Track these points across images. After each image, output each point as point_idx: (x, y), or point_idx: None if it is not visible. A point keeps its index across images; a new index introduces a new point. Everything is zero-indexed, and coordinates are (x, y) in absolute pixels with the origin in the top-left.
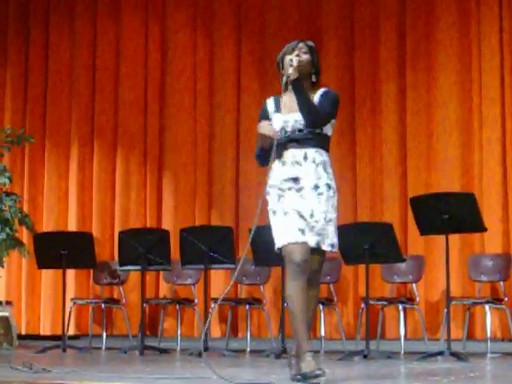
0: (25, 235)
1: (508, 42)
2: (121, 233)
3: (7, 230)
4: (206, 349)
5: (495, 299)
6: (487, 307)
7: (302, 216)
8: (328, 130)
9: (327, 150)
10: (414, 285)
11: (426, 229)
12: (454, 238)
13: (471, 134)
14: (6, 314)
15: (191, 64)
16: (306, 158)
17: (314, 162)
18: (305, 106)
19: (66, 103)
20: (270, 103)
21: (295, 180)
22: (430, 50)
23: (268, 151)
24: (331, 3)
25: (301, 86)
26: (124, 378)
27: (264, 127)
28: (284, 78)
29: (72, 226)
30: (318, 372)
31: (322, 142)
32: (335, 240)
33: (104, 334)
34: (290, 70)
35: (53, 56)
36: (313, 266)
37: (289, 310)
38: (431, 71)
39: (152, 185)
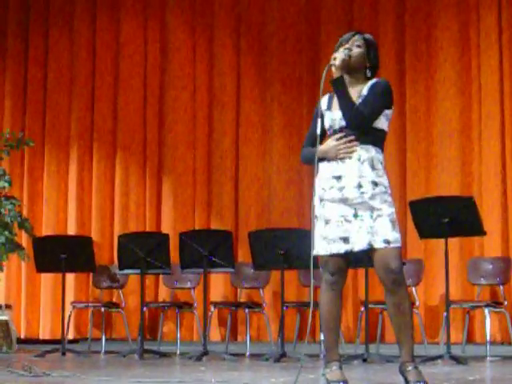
0: (24, 239)
1: (507, 42)
2: (120, 236)
3: (6, 233)
4: (206, 352)
5: (494, 303)
6: (486, 311)
7: (346, 219)
8: (380, 123)
9: (377, 146)
10: (413, 288)
11: (425, 232)
12: (454, 242)
13: (471, 138)
14: (5, 317)
15: (190, 66)
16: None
17: (359, 159)
18: (344, 108)
19: (65, 106)
20: (324, 101)
21: (338, 178)
22: (429, 53)
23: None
24: (330, 4)
25: (341, 87)
26: (123, 382)
27: (346, 149)
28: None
29: (71, 230)
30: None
31: (371, 138)
32: (391, 235)
33: (103, 338)
34: (333, 69)
35: (52, 58)
36: (379, 266)
37: (321, 320)
38: (430, 74)
39: (151, 188)
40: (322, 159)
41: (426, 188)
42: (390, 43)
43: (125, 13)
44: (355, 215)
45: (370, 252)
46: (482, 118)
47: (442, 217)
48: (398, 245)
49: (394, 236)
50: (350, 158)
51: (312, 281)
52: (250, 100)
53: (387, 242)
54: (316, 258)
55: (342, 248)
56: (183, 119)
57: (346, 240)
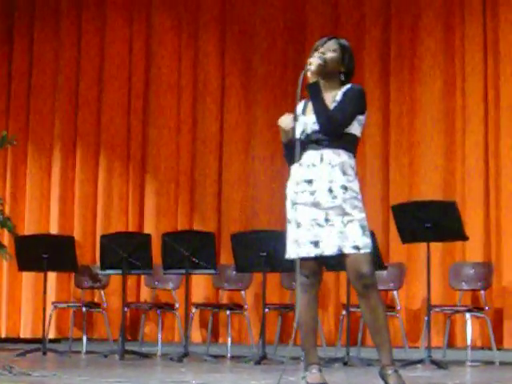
0: (6, 238)
1: (492, 47)
2: (102, 237)
3: None
4: (187, 354)
5: (476, 308)
6: (468, 316)
7: (318, 223)
8: (353, 128)
9: (349, 151)
10: (395, 292)
11: (407, 237)
12: (436, 246)
13: (454, 142)
14: None
15: (176, 68)
16: (322, 159)
17: (330, 163)
18: (318, 112)
19: (49, 106)
20: (300, 106)
21: (309, 182)
22: (412, 63)
23: (290, 149)
24: (316, 8)
25: (316, 91)
26: (104, 383)
27: (282, 120)
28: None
29: (54, 230)
30: None
31: (343, 142)
32: (361, 241)
33: (84, 338)
34: (308, 74)
35: (37, 59)
36: (350, 271)
37: (297, 323)
38: (414, 78)
39: (134, 189)
40: (293, 161)
41: (409, 192)
42: (374, 49)
43: (110, 13)
44: (326, 220)
45: (340, 257)
46: (466, 124)
47: (424, 221)
48: (368, 250)
49: (364, 241)
50: (322, 161)
51: (298, 283)
52: (234, 102)
53: (357, 247)
54: (293, 261)
55: (311, 252)
56: (167, 120)
57: (316, 244)
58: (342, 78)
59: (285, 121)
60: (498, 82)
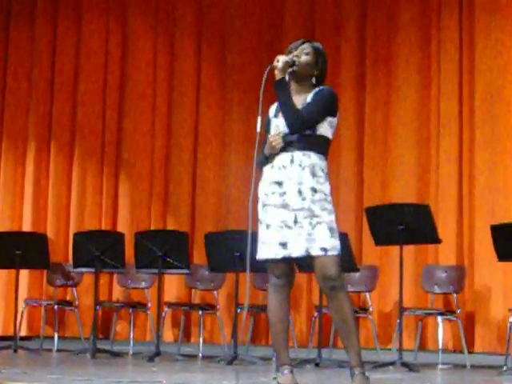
0: None
1: (468, 44)
2: (75, 234)
3: None
4: (158, 353)
5: (448, 311)
6: (439, 319)
7: (287, 225)
8: (323, 130)
9: (320, 153)
10: (367, 294)
11: (380, 239)
12: (409, 249)
13: (428, 146)
14: None
15: (151, 64)
16: (292, 161)
17: (300, 165)
18: (284, 109)
19: (23, 103)
20: (272, 108)
21: (279, 184)
22: (388, 65)
23: (267, 160)
24: (292, 8)
25: (282, 89)
26: (75, 381)
27: (275, 141)
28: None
29: (27, 227)
30: None
31: (313, 144)
32: (329, 243)
33: (56, 336)
34: (275, 71)
35: (12, 55)
36: (317, 273)
37: (269, 323)
38: (390, 85)
39: (108, 187)
40: (266, 163)
41: (383, 195)
42: (351, 49)
43: (86, 13)
44: (295, 221)
45: (309, 259)
46: (440, 127)
47: (397, 224)
48: (336, 252)
49: (332, 244)
50: (292, 163)
51: (270, 285)
52: (210, 99)
53: (324, 249)
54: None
55: (280, 253)
56: (142, 119)
57: (284, 245)
58: (314, 81)
59: (278, 141)
60: (473, 86)
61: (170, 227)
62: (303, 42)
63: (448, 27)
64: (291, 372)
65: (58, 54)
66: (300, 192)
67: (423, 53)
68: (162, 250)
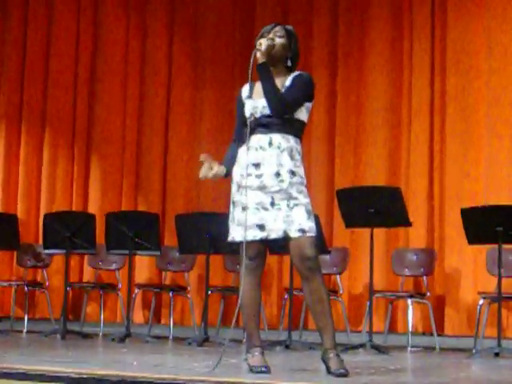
0: None
1: (439, 35)
2: (46, 215)
3: None
4: (129, 334)
5: (418, 293)
6: (409, 301)
7: (263, 207)
8: (301, 114)
9: (297, 136)
10: (338, 277)
11: (351, 221)
12: (379, 232)
13: (400, 130)
14: None
15: (123, 46)
16: (270, 143)
17: (278, 147)
18: (268, 92)
19: None
20: (245, 89)
21: (256, 166)
22: (361, 50)
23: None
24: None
25: (266, 72)
26: (44, 362)
27: (203, 172)
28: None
29: None
30: (263, 369)
31: (291, 128)
32: (307, 224)
33: (26, 317)
34: (258, 54)
35: None
36: (295, 254)
37: (240, 305)
38: (362, 70)
39: (79, 168)
40: (241, 145)
41: (354, 178)
42: (323, 41)
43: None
44: (272, 203)
45: (285, 240)
46: (412, 110)
47: (368, 206)
48: (313, 234)
49: (309, 225)
50: (270, 145)
51: (243, 266)
52: (181, 82)
53: (302, 231)
54: (237, 243)
55: (257, 235)
56: (113, 102)
57: (261, 227)
58: (289, 63)
59: (203, 172)
60: (444, 72)
61: (140, 208)
62: (275, 25)
63: (420, 17)
64: (262, 354)
65: (28, 36)
66: (278, 174)
67: (395, 37)
68: (133, 231)
